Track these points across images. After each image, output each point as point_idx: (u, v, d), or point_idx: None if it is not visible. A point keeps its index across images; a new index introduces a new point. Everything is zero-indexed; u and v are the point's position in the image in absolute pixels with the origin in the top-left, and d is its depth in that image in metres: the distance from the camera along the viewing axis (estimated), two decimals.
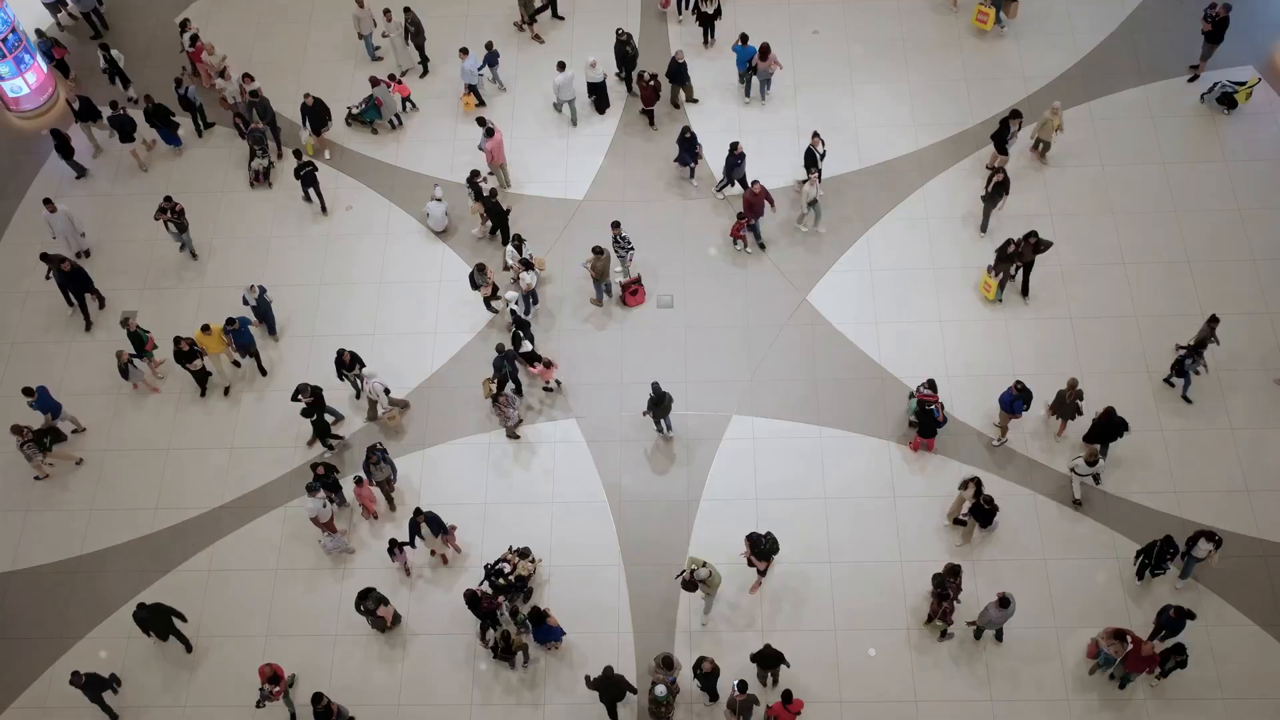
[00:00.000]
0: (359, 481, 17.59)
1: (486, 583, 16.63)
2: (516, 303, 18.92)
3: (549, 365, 18.69)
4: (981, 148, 21.15)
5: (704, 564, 16.14)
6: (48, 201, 20.20)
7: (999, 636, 16.43)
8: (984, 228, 20.13)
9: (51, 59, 22.84)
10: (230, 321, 18.85)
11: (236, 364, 19.64)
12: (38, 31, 23.18)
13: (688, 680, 16.14)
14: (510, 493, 18.21)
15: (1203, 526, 16.38)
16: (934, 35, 22.79)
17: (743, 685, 15.16)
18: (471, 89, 22.10)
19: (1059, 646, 16.43)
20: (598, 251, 19.03)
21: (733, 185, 20.71)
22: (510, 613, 16.60)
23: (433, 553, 17.43)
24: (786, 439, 18.44)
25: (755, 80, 21.81)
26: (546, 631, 16.26)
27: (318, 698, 15.44)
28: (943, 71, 22.28)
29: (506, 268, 19.62)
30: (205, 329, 18.91)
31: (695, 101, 22.12)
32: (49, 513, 18.46)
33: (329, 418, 18.37)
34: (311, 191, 20.95)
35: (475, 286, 19.34)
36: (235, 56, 22.75)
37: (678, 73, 21.49)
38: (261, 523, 18.18)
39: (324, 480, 17.48)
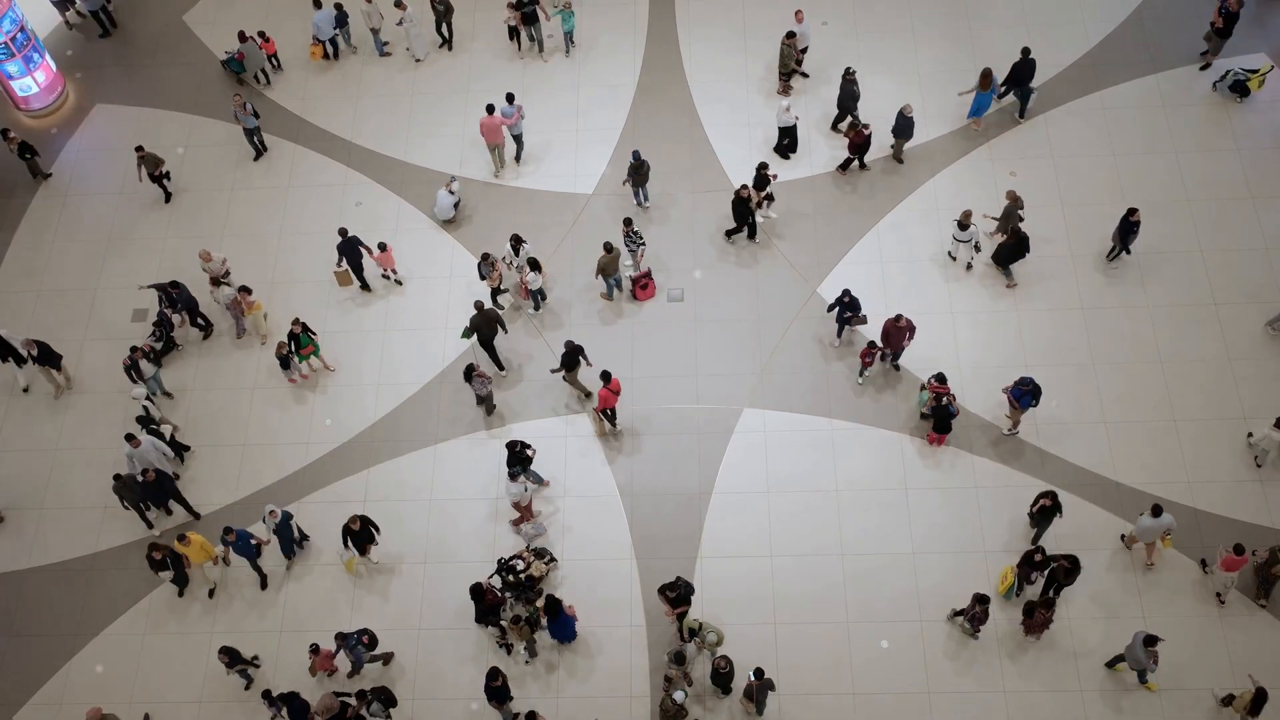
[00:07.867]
0: (315, 649, 16.32)
1: (496, 576, 16.70)
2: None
3: (384, 248, 19.41)
4: (992, 139, 21.07)
5: (701, 625, 16.16)
6: (130, 437, 17.58)
7: (1141, 678, 15.86)
8: (1035, 540, 17.22)
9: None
10: (228, 531, 16.88)
11: (226, 562, 17.61)
12: None
13: (698, 676, 16.26)
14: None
15: None
16: (943, 26, 22.71)
17: (759, 673, 15.33)
18: (321, 42, 22.58)
19: (1071, 638, 16.44)
20: (607, 248, 19.02)
21: (1127, 253, 19.38)
22: (514, 619, 16.27)
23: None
24: (797, 431, 18.45)
25: None
26: (562, 625, 16.27)
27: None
28: (952, 63, 22.19)
29: (509, 265, 19.60)
30: (183, 539, 16.72)
31: (901, 162, 20.96)
32: (64, 510, 18.58)
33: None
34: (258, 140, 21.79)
35: (483, 277, 19.38)
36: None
37: (904, 127, 20.34)
38: None
39: (520, 457, 17.15)
